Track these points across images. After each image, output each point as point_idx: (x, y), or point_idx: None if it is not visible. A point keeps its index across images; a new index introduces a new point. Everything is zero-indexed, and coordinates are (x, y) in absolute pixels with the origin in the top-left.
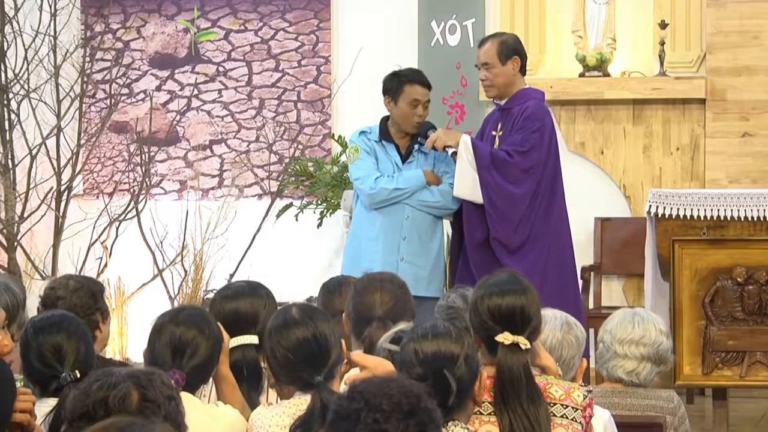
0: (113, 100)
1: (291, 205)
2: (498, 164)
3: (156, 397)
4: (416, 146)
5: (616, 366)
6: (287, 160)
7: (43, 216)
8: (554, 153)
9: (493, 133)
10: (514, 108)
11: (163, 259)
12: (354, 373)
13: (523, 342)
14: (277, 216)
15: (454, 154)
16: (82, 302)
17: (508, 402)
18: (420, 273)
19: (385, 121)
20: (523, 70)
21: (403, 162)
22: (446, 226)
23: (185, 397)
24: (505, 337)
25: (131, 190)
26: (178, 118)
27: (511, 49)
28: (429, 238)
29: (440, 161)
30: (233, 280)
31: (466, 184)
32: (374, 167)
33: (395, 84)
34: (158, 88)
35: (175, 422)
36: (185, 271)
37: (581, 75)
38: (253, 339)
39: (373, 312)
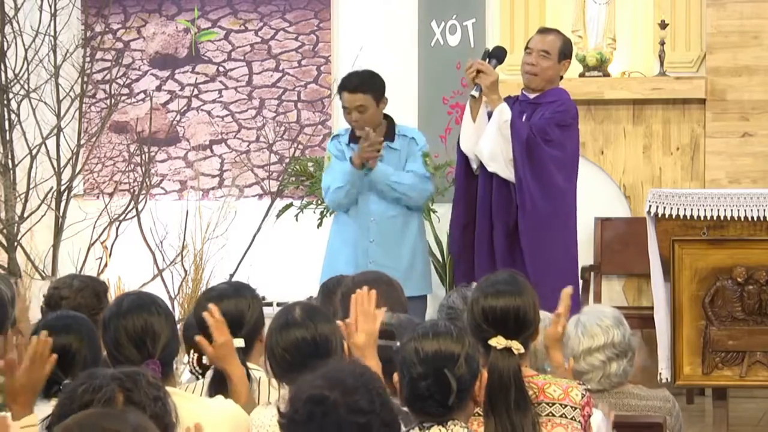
0: (113, 100)
1: (291, 205)
2: (531, 148)
3: (141, 398)
4: (385, 144)
5: (590, 380)
6: (287, 160)
7: (43, 216)
8: (575, 147)
9: None
10: (544, 103)
11: (163, 259)
12: None
13: (516, 347)
14: (277, 216)
15: (473, 98)
16: (86, 302)
17: (496, 406)
18: (394, 276)
19: None
20: (562, 76)
21: None
22: (441, 227)
23: (177, 394)
24: (497, 342)
25: (131, 190)
26: (178, 118)
27: (569, 52)
28: (399, 239)
29: (411, 159)
30: (232, 279)
31: (489, 150)
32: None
33: (338, 92)
34: (158, 88)
35: (162, 422)
36: (185, 271)
37: (581, 75)
38: (239, 342)
39: None
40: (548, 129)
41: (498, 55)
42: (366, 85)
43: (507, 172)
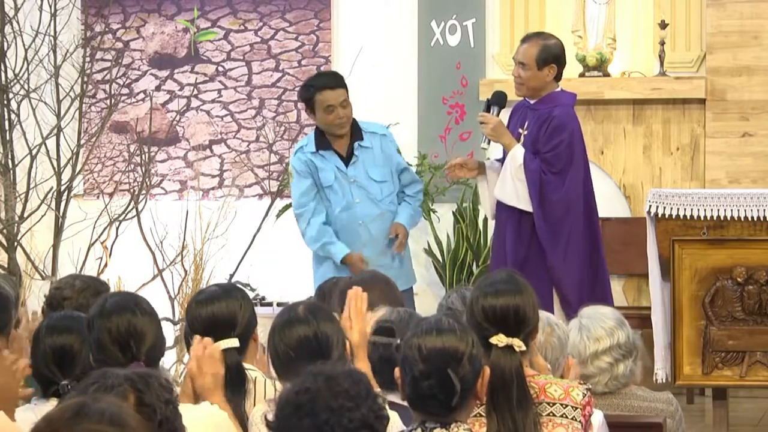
0: (113, 100)
1: (291, 205)
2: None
3: (152, 401)
4: (357, 144)
5: (597, 383)
6: (287, 160)
7: (43, 216)
8: (583, 158)
9: (520, 130)
10: (541, 110)
11: (163, 259)
12: None
13: (518, 344)
14: (277, 216)
15: (485, 149)
16: (88, 302)
17: (498, 404)
18: (389, 272)
19: (319, 129)
20: (558, 77)
21: (346, 164)
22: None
23: None
24: (499, 339)
25: (131, 190)
26: (178, 118)
27: (552, 56)
28: (388, 236)
29: (396, 165)
30: (230, 280)
31: (509, 195)
32: (306, 191)
33: (308, 96)
34: (158, 88)
35: (173, 426)
36: (185, 271)
37: (581, 75)
38: (233, 342)
39: None
40: (553, 161)
41: (498, 100)
42: (342, 80)
43: (529, 207)
